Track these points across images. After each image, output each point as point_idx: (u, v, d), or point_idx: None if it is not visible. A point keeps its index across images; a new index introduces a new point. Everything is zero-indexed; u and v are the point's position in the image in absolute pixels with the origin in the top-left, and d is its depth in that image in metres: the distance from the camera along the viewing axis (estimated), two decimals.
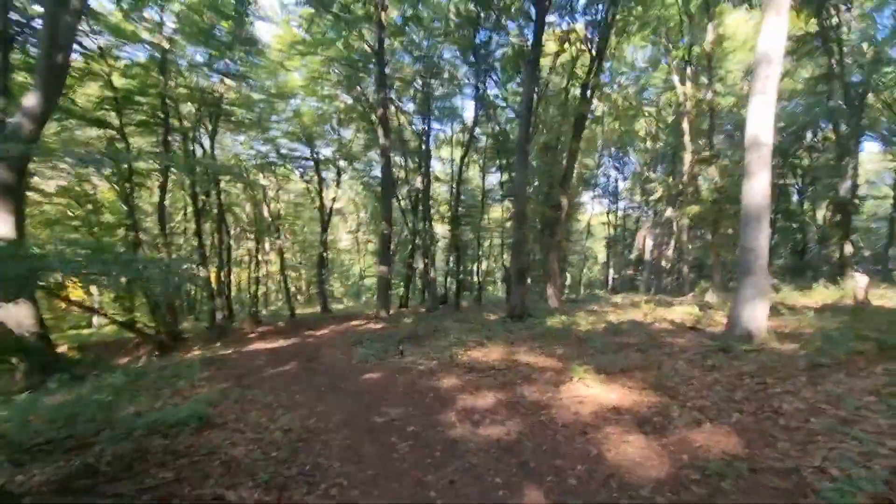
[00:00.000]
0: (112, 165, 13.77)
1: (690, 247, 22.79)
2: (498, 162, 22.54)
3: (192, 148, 18.76)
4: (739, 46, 20.80)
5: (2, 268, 3.75)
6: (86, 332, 21.29)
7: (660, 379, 5.38)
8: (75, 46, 14.94)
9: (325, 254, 26.84)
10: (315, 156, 24.52)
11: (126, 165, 14.90)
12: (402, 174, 24.83)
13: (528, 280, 16.58)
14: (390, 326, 13.84)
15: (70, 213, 17.39)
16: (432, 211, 23.36)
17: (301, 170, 25.95)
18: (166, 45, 14.53)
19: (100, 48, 14.28)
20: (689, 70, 19.46)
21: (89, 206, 17.56)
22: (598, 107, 23.40)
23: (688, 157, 17.79)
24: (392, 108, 20.70)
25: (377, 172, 27.10)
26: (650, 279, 27.37)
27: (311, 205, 28.42)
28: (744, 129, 7.10)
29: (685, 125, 18.36)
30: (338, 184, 26.18)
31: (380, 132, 15.76)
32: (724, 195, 14.39)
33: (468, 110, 55.37)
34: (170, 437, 4.50)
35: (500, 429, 4.41)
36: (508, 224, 25.96)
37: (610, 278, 28.82)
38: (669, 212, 22.97)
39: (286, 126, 23.69)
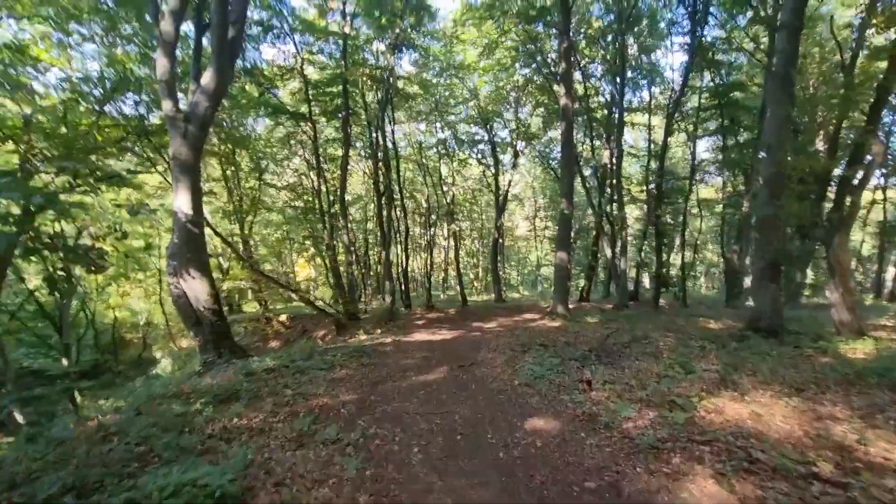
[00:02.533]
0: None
1: None
2: (720, 122, 17.02)
3: (374, 135, 18.63)
4: None
5: None
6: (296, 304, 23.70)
7: None
8: (279, 47, 15.84)
9: (500, 240, 24.95)
10: (492, 137, 22.65)
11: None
12: (586, 152, 21.19)
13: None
14: (569, 326, 10.90)
15: None
16: (623, 190, 19.15)
17: (478, 154, 24.38)
18: (348, 30, 14.03)
19: (295, 45, 14.62)
20: None
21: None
22: None
23: None
24: (577, 75, 17.34)
25: (558, 153, 24.04)
26: None
27: (487, 190, 26.80)
28: None
29: None
30: (514, 165, 23.82)
31: (560, 91, 12.68)
32: None
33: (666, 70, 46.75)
34: None
35: None
36: (721, 203, 20.05)
37: (889, 280, 19.95)
38: None
39: (463, 108, 22.35)
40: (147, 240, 21.50)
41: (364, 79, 14.42)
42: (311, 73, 15.30)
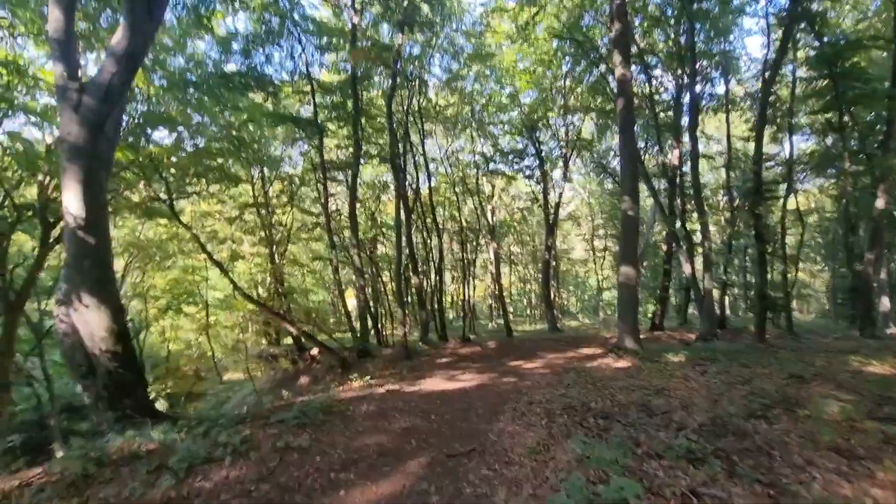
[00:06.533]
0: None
1: None
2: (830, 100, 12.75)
3: (406, 148, 16.25)
4: None
5: None
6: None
7: None
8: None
9: (552, 262, 21.36)
10: (538, 148, 19.58)
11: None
12: (653, 160, 17.49)
13: None
14: (643, 368, 7.35)
15: None
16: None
17: (523, 168, 21.28)
18: (357, 20, 11.92)
19: (301, 46, 12.75)
20: None
21: None
22: None
23: None
24: (636, 72, 14.06)
25: (617, 164, 20.43)
26: None
27: (537, 207, 23.49)
28: None
29: None
30: (565, 178, 20.43)
31: (616, 60, 9.45)
32: None
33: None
34: None
35: None
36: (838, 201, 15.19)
37: None
38: None
39: (504, 117, 19.61)
40: (191, 271, 20.55)
41: (369, 63, 12.08)
42: (319, 73, 13.33)
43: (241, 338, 21.99)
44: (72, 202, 5.12)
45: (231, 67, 12.25)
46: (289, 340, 23.04)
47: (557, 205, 20.40)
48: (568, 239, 34.56)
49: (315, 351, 17.58)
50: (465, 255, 18.20)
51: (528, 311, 33.61)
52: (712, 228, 22.82)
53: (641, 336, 10.42)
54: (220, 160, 13.56)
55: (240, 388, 19.95)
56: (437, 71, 18.18)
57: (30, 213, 12.28)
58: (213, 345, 22.02)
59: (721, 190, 20.41)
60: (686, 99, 14.79)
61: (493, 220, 20.62)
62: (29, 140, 11.98)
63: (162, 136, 13.45)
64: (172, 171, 13.15)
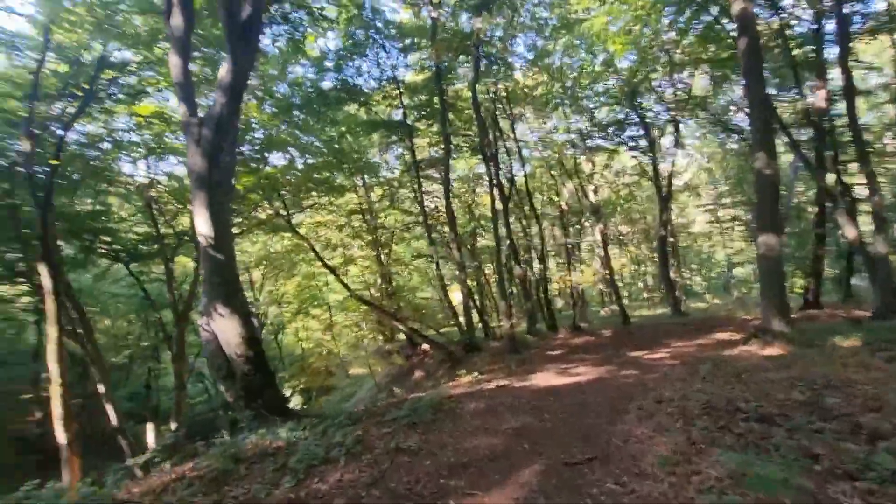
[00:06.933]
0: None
1: None
2: None
3: (496, 136, 15.78)
4: None
5: None
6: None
7: None
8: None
9: (668, 239, 19.14)
10: (642, 116, 17.68)
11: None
12: (787, 111, 14.59)
13: None
14: (799, 357, 6.05)
15: None
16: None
17: (627, 139, 19.38)
18: (435, 15, 11.81)
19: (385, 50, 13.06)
20: None
21: None
22: None
23: None
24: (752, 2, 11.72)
25: (738, 120, 17.55)
26: None
27: (646, 181, 21.25)
28: None
29: None
30: (677, 144, 18.15)
31: None
32: None
33: None
34: None
35: None
36: None
37: None
38: None
39: (599, 88, 18.05)
40: (313, 277, 22.70)
41: (451, 55, 11.83)
42: (405, 75, 13.52)
43: (360, 336, 23.63)
44: (202, 225, 5.74)
45: (326, 85, 13.05)
46: (402, 337, 24.24)
47: (670, 175, 18.23)
48: (686, 212, 30.84)
49: (426, 346, 18.15)
50: (568, 239, 17.16)
51: (645, 295, 30.80)
52: (881, 180, 18.41)
53: (793, 316, 8.70)
54: (325, 174, 14.62)
55: (363, 383, 21.48)
56: (521, 50, 17.35)
57: (187, 238, 14.51)
58: (337, 343, 24.02)
59: (890, 131, 16.37)
60: (830, 26, 12.01)
61: (596, 199, 19.13)
62: (179, 176, 14.19)
63: (277, 158, 14.89)
64: (287, 188, 14.52)
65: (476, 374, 8.03)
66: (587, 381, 6.36)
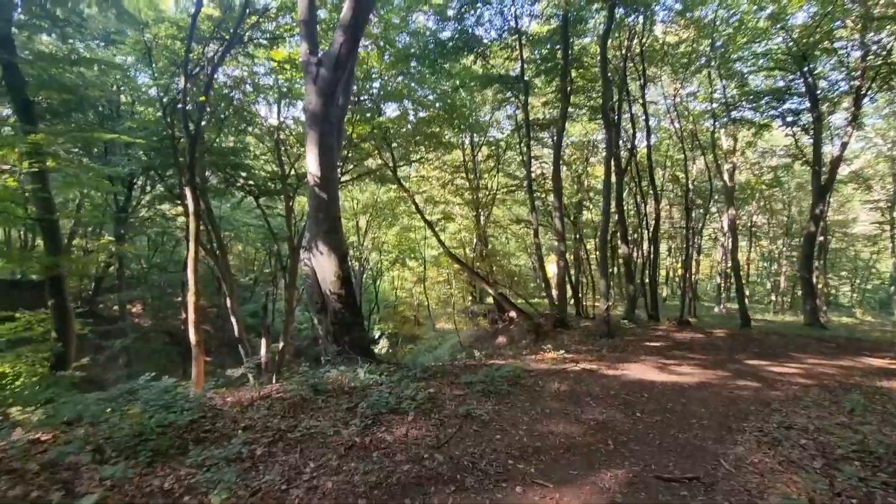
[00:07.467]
0: None
1: None
2: None
3: (623, 97, 14.07)
4: None
5: None
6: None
7: None
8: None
9: (817, 237, 15.86)
10: (812, 85, 14.43)
11: None
12: None
13: None
14: None
15: None
16: None
17: (784, 113, 16.06)
18: None
19: None
20: None
21: None
22: None
23: None
24: None
25: None
26: None
27: (801, 165, 17.61)
28: None
29: None
30: (854, 121, 14.55)
31: None
32: None
33: None
34: None
35: None
36: None
37: None
38: None
39: (759, 48, 15.04)
40: (413, 230, 23.49)
41: (583, 3, 10.51)
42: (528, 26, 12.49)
43: (449, 293, 24.09)
44: (311, 163, 5.93)
45: (445, 35, 12.62)
46: (490, 301, 24.22)
47: (836, 160, 14.84)
48: (847, 207, 25.37)
49: (513, 313, 17.82)
50: (689, 224, 15.09)
51: (772, 298, 26.61)
52: None
53: None
54: (435, 128, 14.51)
55: (448, 338, 22.09)
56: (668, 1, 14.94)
57: (306, 179, 15.63)
58: (428, 296, 24.86)
59: None
60: None
61: (731, 182, 16.43)
62: (304, 121, 15.15)
63: (391, 109, 15.11)
64: (398, 140, 14.74)
65: (562, 352, 7.53)
66: (691, 383, 5.53)
